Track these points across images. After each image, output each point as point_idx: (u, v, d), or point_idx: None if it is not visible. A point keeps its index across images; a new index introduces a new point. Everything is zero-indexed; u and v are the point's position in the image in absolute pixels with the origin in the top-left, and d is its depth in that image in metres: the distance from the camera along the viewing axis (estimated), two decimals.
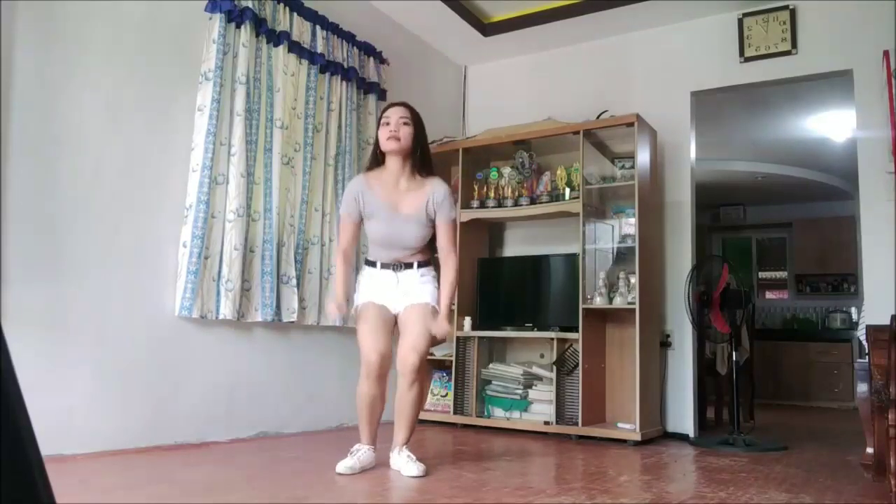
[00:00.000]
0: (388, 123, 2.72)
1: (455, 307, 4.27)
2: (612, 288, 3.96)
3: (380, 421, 2.70)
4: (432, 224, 2.78)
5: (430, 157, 2.84)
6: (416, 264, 2.75)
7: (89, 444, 2.69)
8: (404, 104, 2.80)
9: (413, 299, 2.70)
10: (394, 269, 2.74)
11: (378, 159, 2.80)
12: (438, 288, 2.77)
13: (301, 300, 3.59)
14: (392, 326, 2.71)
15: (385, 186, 2.75)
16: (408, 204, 2.73)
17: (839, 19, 3.96)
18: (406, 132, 2.71)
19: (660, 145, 4.26)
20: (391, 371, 2.64)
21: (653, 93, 4.43)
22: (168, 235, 3.08)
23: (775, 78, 4.16)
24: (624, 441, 3.64)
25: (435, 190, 2.75)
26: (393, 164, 2.76)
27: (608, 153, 4.28)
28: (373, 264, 2.78)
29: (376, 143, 2.79)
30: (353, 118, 4.03)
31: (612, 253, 4.08)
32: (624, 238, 3.99)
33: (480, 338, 4.20)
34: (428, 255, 2.82)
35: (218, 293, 3.17)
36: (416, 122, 2.77)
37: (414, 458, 2.60)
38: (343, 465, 2.55)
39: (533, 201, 4.21)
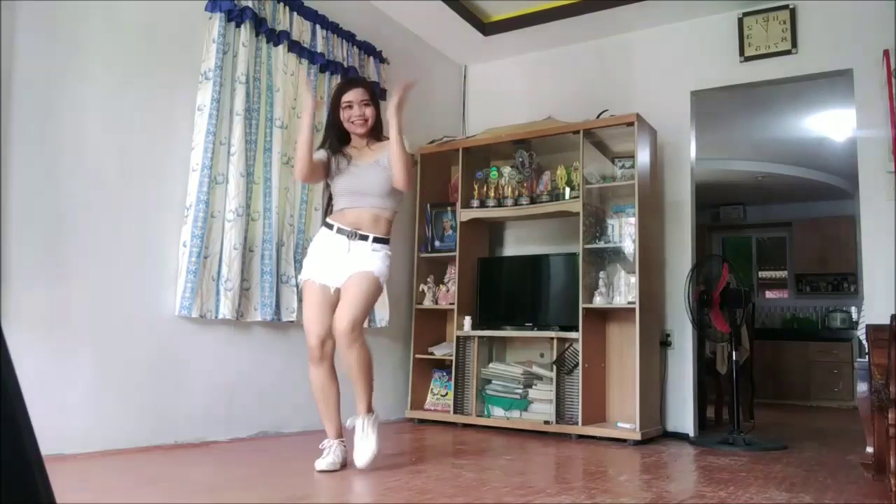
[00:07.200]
0: (350, 107, 2.75)
1: (455, 305, 4.29)
2: (612, 287, 3.96)
3: (339, 409, 2.72)
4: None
5: (382, 124, 2.88)
6: (371, 238, 2.70)
7: (89, 444, 2.70)
8: (359, 84, 2.82)
9: (358, 267, 2.65)
10: (349, 237, 2.69)
11: (341, 139, 2.81)
12: (390, 266, 2.76)
13: (301, 300, 3.58)
14: (334, 307, 2.66)
15: (351, 155, 2.80)
16: (370, 160, 2.76)
17: (839, 19, 3.96)
18: (370, 112, 2.77)
19: (660, 145, 4.26)
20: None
21: (653, 93, 4.43)
22: (168, 235, 3.08)
23: (775, 77, 4.16)
24: (624, 440, 3.64)
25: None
26: (357, 142, 2.83)
27: (608, 153, 4.28)
28: (330, 227, 2.75)
29: (336, 124, 2.80)
30: None
31: (612, 252, 4.08)
32: (624, 237, 3.99)
33: (480, 337, 4.20)
34: (386, 231, 2.78)
35: (217, 293, 3.17)
36: (374, 98, 2.83)
37: (370, 431, 2.58)
38: (324, 463, 2.59)
39: (533, 201, 4.21)
